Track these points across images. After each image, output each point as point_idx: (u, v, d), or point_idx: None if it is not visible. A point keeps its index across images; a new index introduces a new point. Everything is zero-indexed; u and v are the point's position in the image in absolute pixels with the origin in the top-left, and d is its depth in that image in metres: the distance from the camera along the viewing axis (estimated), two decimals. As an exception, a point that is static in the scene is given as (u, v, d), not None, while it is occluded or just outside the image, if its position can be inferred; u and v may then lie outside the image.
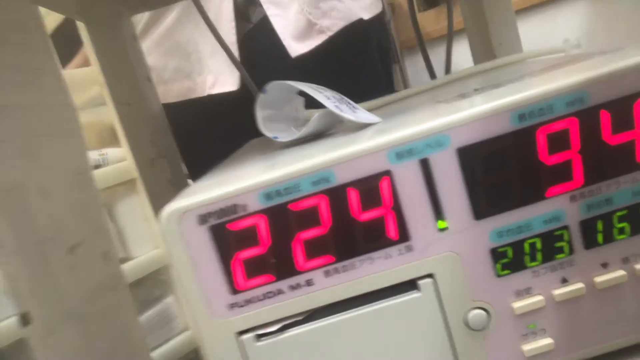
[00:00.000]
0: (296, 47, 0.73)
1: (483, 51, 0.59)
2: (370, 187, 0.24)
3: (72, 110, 0.40)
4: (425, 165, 0.24)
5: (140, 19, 0.74)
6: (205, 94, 0.74)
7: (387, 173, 0.24)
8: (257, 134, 0.52)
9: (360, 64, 0.78)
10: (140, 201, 0.87)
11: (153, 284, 0.94)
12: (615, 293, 0.25)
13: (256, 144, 0.46)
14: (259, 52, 0.73)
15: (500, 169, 0.24)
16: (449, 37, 0.62)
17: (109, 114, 0.81)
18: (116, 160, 0.85)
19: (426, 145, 0.24)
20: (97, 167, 0.82)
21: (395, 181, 0.24)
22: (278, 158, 0.28)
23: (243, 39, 0.72)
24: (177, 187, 0.54)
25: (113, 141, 0.87)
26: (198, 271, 0.24)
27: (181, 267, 0.24)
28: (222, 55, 0.69)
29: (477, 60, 0.62)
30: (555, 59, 0.38)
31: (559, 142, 0.24)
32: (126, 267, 0.85)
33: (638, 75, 0.24)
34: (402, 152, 0.24)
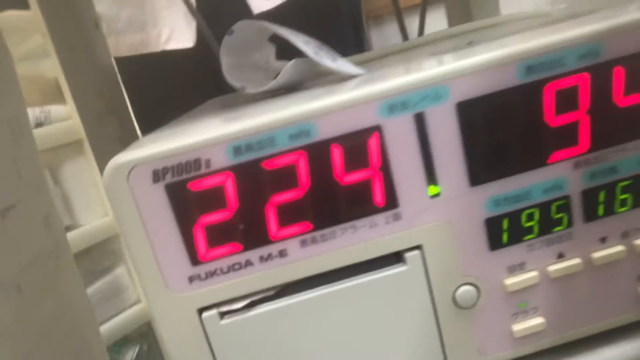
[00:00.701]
0: (259, 3, 0.68)
1: (460, 15, 0.57)
2: (357, 144, 0.21)
3: (5, 54, 0.35)
4: (420, 120, 0.21)
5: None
6: (160, 49, 0.69)
7: (376, 128, 0.21)
8: (218, 94, 0.48)
9: (330, 27, 0.74)
10: (87, 164, 0.81)
11: (102, 254, 0.88)
12: (611, 270, 0.23)
13: (217, 102, 0.41)
14: (220, 7, 0.68)
15: (502, 129, 0.21)
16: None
17: (53, 68, 0.73)
18: (60, 118, 0.77)
19: (423, 97, 0.21)
20: (38, 125, 0.75)
21: (385, 138, 0.21)
22: (248, 110, 0.24)
23: None
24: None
25: (57, 98, 0.79)
26: (152, 238, 0.20)
27: (131, 233, 0.20)
28: (179, 7, 0.63)
29: (452, 25, 0.59)
30: (542, 20, 0.35)
31: (567, 100, 0.21)
32: (72, 235, 0.79)
33: (656, 30, 0.21)
34: (395, 104, 0.21)
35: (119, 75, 0.52)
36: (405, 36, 0.59)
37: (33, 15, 0.65)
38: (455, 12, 0.57)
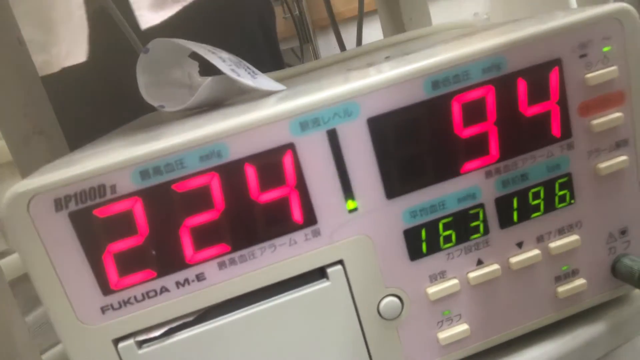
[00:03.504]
0: (147, 18, 0.65)
1: (393, 27, 0.58)
2: (271, 162, 0.21)
3: None
4: (332, 137, 0.21)
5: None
6: (59, 67, 0.65)
7: (289, 146, 0.21)
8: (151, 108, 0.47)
9: (236, 41, 0.71)
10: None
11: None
12: (529, 273, 0.24)
13: (149, 119, 0.40)
14: (114, 22, 0.65)
15: (414, 142, 0.22)
16: (360, 8, 0.60)
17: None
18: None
19: (333, 114, 0.21)
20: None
21: (300, 155, 0.21)
22: (161, 130, 0.24)
23: (96, 9, 0.64)
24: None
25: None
26: (58, 269, 0.20)
27: (35, 266, 0.19)
28: (74, 22, 0.61)
29: (387, 36, 0.60)
30: (466, 30, 0.36)
31: (474, 112, 0.22)
32: (7, 261, 0.75)
33: (554, 41, 0.22)
34: (306, 121, 0.21)
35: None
36: (342, 47, 0.60)
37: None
38: (389, 23, 0.58)
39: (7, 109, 0.47)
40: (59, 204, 0.19)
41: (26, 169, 0.49)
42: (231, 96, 0.29)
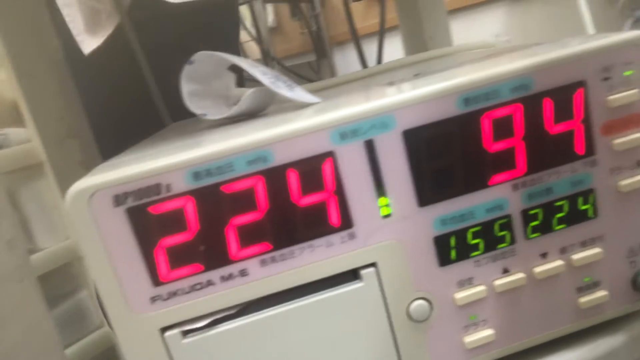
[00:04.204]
0: (88, 44, 0.63)
1: (414, 45, 0.59)
2: (312, 169, 0.22)
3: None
4: (370, 147, 0.22)
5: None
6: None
7: (330, 154, 0.22)
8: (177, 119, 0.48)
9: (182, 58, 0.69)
10: (48, 187, 0.79)
11: (63, 279, 0.86)
12: (553, 283, 0.25)
13: (177, 127, 0.42)
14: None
15: (445, 155, 0.23)
16: (381, 27, 0.62)
17: (11, 89, 0.72)
18: (19, 141, 0.76)
19: (371, 126, 0.22)
20: (-5, 147, 0.73)
21: (339, 163, 0.22)
22: (206, 136, 0.25)
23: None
24: (90, 170, 0.49)
25: (16, 121, 0.78)
26: (114, 260, 0.21)
27: (93, 257, 0.21)
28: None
29: (408, 53, 0.62)
30: (489, 51, 0.38)
31: (503, 128, 0.23)
32: (32, 259, 0.77)
33: (579, 64, 0.23)
34: (346, 132, 0.22)
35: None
36: (363, 63, 0.61)
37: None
38: (410, 41, 0.60)
39: (46, 112, 0.49)
40: (118, 199, 0.21)
41: (59, 171, 0.51)
42: (266, 107, 0.30)
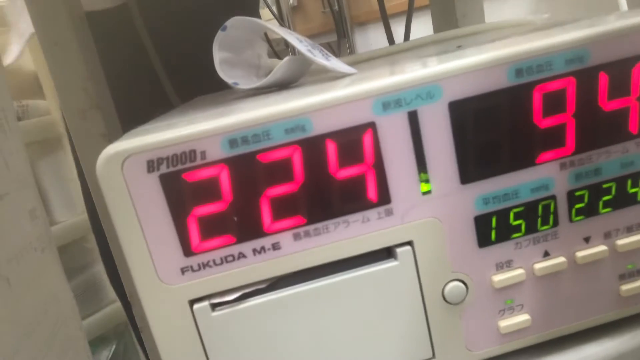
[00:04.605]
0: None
1: (445, 23, 0.58)
2: (351, 139, 0.21)
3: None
4: (413, 118, 0.21)
5: None
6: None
7: (370, 125, 0.21)
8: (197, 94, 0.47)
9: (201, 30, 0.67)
10: (66, 160, 0.79)
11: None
12: (594, 269, 0.24)
13: (203, 100, 0.41)
14: None
15: (492, 129, 0.22)
16: (410, 4, 0.60)
17: (34, 61, 0.72)
18: (38, 113, 0.76)
19: (416, 96, 0.21)
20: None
21: (379, 135, 0.21)
22: (240, 105, 0.24)
23: None
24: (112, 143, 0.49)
25: (36, 93, 0.78)
26: (145, 228, 0.20)
27: (123, 223, 0.20)
28: None
29: (438, 31, 0.60)
30: (532, 26, 0.36)
31: (554, 103, 0.22)
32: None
33: (639, 37, 0.22)
34: (389, 101, 0.21)
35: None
36: (391, 40, 0.60)
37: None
38: (441, 19, 0.58)
39: (69, 84, 0.49)
40: (152, 165, 0.20)
41: (82, 143, 0.51)
42: (299, 78, 0.29)
